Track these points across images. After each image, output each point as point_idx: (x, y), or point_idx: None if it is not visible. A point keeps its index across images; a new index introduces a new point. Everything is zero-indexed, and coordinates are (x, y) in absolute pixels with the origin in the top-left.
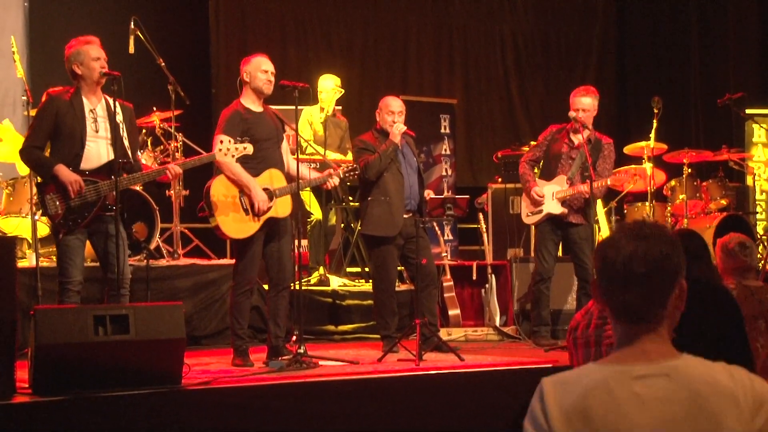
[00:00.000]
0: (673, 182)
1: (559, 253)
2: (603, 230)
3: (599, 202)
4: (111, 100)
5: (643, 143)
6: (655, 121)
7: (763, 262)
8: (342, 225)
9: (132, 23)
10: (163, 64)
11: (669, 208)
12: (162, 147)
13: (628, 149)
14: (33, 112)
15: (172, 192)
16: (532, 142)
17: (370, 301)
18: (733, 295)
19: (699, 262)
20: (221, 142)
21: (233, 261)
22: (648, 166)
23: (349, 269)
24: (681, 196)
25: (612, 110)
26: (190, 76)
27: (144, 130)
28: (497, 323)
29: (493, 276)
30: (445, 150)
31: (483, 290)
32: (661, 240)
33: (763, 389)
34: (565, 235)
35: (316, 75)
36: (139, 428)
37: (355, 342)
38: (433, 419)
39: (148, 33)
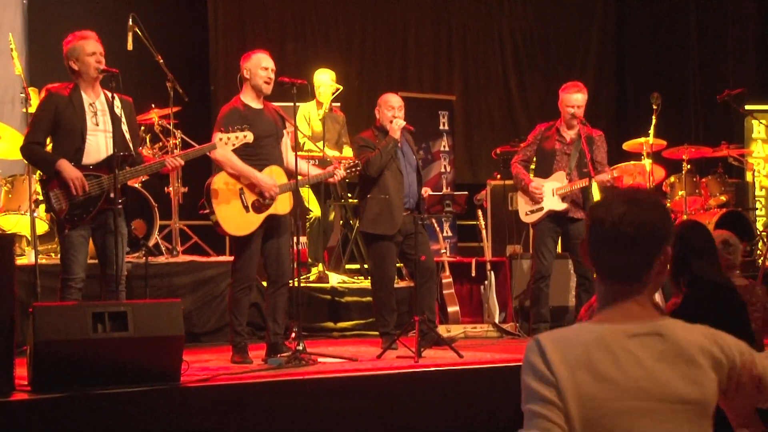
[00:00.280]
0: (672, 178)
1: (558, 249)
2: None
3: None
4: (110, 95)
5: (642, 139)
6: (654, 117)
7: (762, 258)
8: (341, 222)
9: (130, 20)
10: (161, 61)
11: (668, 205)
12: (161, 144)
13: (627, 145)
14: (32, 109)
15: (170, 189)
16: (522, 144)
17: (368, 298)
18: (737, 292)
19: (701, 257)
20: (219, 139)
21: (232, 258)
22: (647, 162)
23: (348, 266)
24: (680, 193)
25: (611, 106)
26: (188, 73)
27: (143, 128)
28: (496, 320)
29: (492, 273)
30: (444, 147)
31: (482, 287)
32: (652, 205)
33: (735, 347)
34: (565, 231)
35: (314, 72)
36: (137, 425)
37: (354, 339)
38: (432, 416)
39: (146, 30)
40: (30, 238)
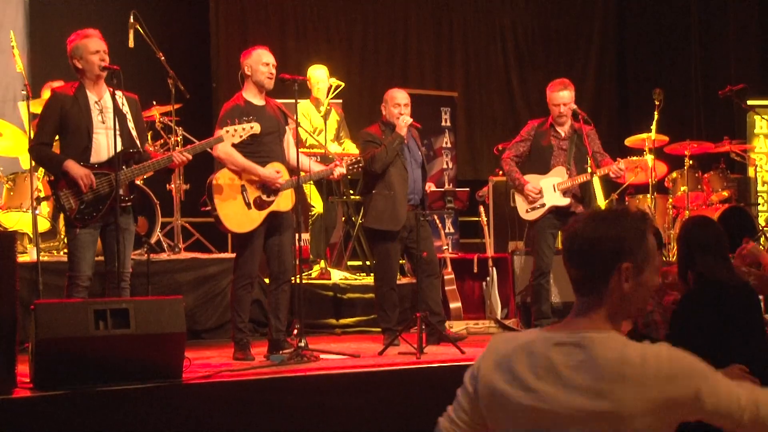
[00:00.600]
0: (674, 174)
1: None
2: None
3: (600, 195)
4: (115, 92)
5: (644, 135)
6: (656, 112)
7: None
8: (343, 218)
9: (131, 17)
10: (162, 58)
11: (670, 200)
12: (162, 141)
13: (629, 141)
14: (33, 107)
15: (172, 186)
16: (513, 140)
17: (371, 295)
18: (746, 291)
19: (707, 253)
20: (226, 131)
21: (234, 255)
22: (649, 158)
23: (350, 263)
24: (682, 188)
25: (613, 102)
26: (190, 70)
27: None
28: (498, 316)
29: (494, 269)
30: (446, 143)
31: (484, 283)
32: (613, 222)
33: (675, 367)
34: (565, 224)
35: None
36: (139, 422)
37: (356, 335)
38: (434, 412)
39: (147, 27)
40: (32, 236)
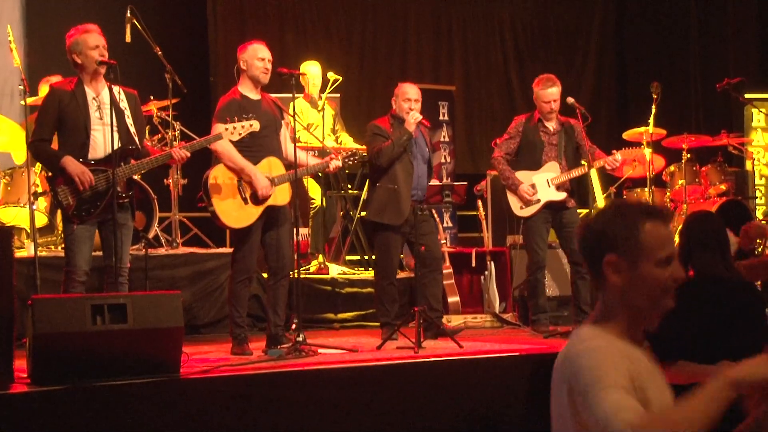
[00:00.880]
0: (672, 167)
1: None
2: None
3: (598, 189)
4: (114, 88)
5: (642, 128)
6: (654, 106)
7: (762, 247)
8: (341, 213)
9: (128, 12)
10: (160, 52)
11: (668, 194)
12: (159, 136)
13: (627, 135)
14: (30, 102)
15: (170, 181)
16: (501, 138)
17: (369, 289)
18: (743, 288)
19: (705, 249)
20: (226, 122)
21: (232, 250)
22: (647, 151)
23: (348, 257)
24: (680, 182)
25: (611, 96)
26: (188, 64)
27: None
28: (497, 310)
29: (492, 263)
30: (444, 137)
31: (482, 277)
32: (598, 216)
33: (567, 370)
34: (558, 220)
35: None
36: (137, 417)
37: (355, 330)
38: (432, 406)
39: (144, 21)
40: (29, 231)
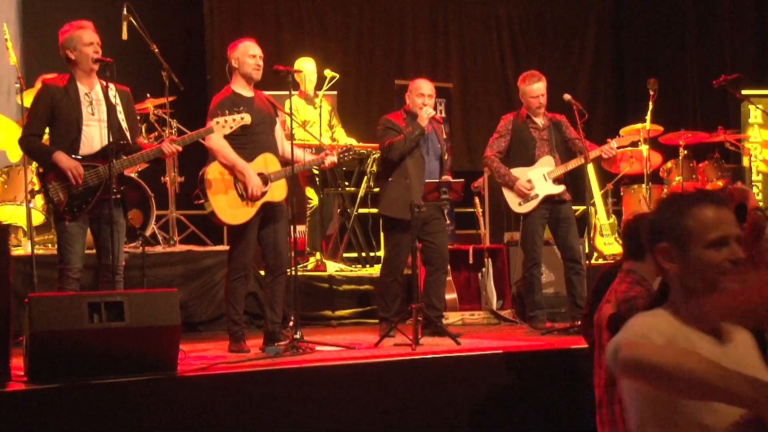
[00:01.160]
0: (669, 164)
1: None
2: (599, 213)
3: (595, 185)
4: (106, 84)
5: (639, 125)
6: (651, 102)
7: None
8: (338, 210)
9: (125, 9)
10: (156, 50)
11: (665, 190)
12: (156, 133)
13: (624, 131)
14: (27, 99)
15: (167, 178)
16: (492, 137)
17: (366, 286)
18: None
19: None
20: (216, 122)
21: (228, 247)
22: (644, 148)
23: (345, 254)
24: (677, 178)
25: (608, 92)
26: (184, 62)
27: (138, 117)
28: (494, 307)
29: (489, 260)
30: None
31: (480, 274)
32: (653, 210)
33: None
34: (554, 214)
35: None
36: (134, 415)
37: (352, 327)
38: (430, 403)
39: (141, 19)
40: (26, 229)
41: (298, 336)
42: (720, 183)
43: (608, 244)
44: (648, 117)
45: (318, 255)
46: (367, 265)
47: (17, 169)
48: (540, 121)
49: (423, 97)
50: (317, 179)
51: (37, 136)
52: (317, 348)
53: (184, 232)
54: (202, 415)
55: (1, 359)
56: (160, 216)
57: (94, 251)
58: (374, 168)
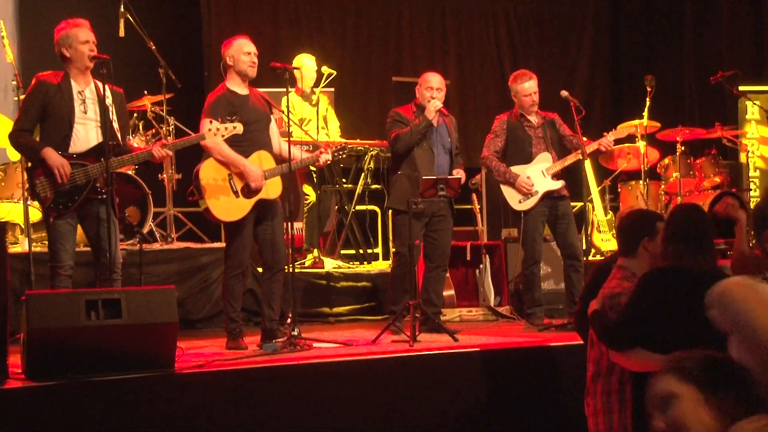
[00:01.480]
0: (666, 160)
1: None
2: (597, 209)
3: (592, 181)
4: (100, 84)
5: (636, 122)
6: (648, 99)
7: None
8: (336, 207)
9: (122, 6)
10: (153, 47)
11: (663, 187)
12: (153, 131)
13: (621, 127)
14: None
15: (164, 176)
16: (488, 138)
17: (364, 283)
18: (711, 280)
19: (679, 242)
20: (210, 122)
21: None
22: (641, 144)
23: (343, 251)
24: (674, 174)
25: (606, 88)
26: (182, 59)
27: (135, 114)
28: (492, 303)
29: (487, 256)
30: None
31: (477, 271)
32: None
33: None
34: (554, 210)
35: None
36: (132, 412)
37: (350, 324)
38: (427, 399)
39: (138, 16)
40: (23, 226)
41: (295, 333)
42: (717, 179)
43: (606, 241)
44: (645, 113)
45: (316, 252)
46: (365, 262)
47: (14, 167)
48: (534, 119)
49: (432, 90)
50: (314, 176)
51: (27, 131)
52: (315, 345)
53: (182, 229)
54: (199, 412)
55: None
56: (158, 213)
57: (88, 248)
58: (371, 165)
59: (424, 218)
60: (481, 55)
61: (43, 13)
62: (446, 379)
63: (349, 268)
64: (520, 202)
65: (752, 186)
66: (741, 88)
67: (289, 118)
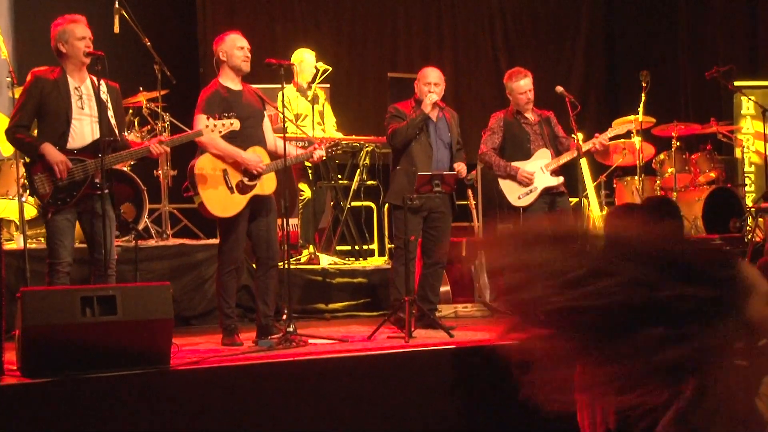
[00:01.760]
0: (661, 156)
1: None
2: (593, 205)
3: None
4: (96, 80)
5: (631, 117)
6: (643, 94)
7: (750, 235)
8: (331, 203)
9: (117, 2)
10: (149, 43)
11: (658, 182)
12: (149, 127)
13: (617, 123)
14: (18, 93)
15: (160, 172)
16: (485, 135)
17: (360, 279)
18: None
19: None
20: (207, 118)
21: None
22: (637, 139)
23: (338, 247)
24: (670, 170)
25: (601, 84)
26: (177, 55)
27: (131, 111)
28: (487, 299)
29: (482, 252)
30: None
31: (473, 267)
32: None
33: None
34: (553, 205)
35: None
36: (127, 409)
37: (345, 320)
38: (423, 395)
39: (133, 12)
40: (18, 223)
41: (291, 329)
42: (713, 174)
43: None
44: (640, 109)
45: (311, 248)
46: (361, 258)
47: (9, 163)
48: (530, 116)
49: (429, 85)
50: (310, 172)
51: (24, 127)
52: (310, 341)
53: (177, 225)
54: (195, 408)
55: None
56: (153, 210)
57: (84, 245)
58: (367, 161)
59: (422, 213)
60: (476, 51)
61: (38, 9)
62: (442, 375)
63: (344, 264)
64: (519, 198)
65: (747, 181)
66: (736, 83)
67: (284, 115)
